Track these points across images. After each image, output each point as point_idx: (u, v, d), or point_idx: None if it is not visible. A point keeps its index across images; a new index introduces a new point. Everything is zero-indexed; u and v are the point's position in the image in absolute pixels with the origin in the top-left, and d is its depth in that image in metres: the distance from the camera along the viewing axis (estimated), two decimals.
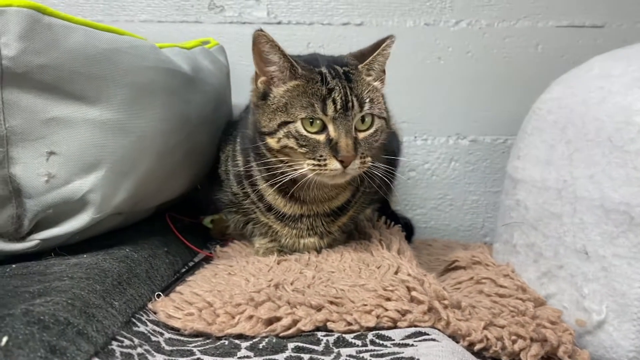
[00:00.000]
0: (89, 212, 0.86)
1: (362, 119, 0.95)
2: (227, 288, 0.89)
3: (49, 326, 0.57)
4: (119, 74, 0.85)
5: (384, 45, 0.98)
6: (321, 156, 0.92)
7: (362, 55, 1.00)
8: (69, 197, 0.84)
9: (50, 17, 0.78)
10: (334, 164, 0.91)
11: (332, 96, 0.91)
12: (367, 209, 1.17)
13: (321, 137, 0.92)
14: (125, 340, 0.68)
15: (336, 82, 0.93)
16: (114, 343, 0.66)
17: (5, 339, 0.51)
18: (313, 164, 0.92)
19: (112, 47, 0.85)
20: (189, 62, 1.05)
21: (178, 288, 0.91)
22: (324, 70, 0.94)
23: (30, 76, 0.77)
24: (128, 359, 0.64)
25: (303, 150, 0.93)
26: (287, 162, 0.96)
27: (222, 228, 1.32)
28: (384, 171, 0.99)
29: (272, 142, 0.95)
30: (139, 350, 0.67)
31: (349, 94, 0.92)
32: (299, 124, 0.93)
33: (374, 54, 0.98)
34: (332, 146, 0.91)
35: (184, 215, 1.30)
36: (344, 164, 0.91)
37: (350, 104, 0.92)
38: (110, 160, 0.86)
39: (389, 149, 1.17)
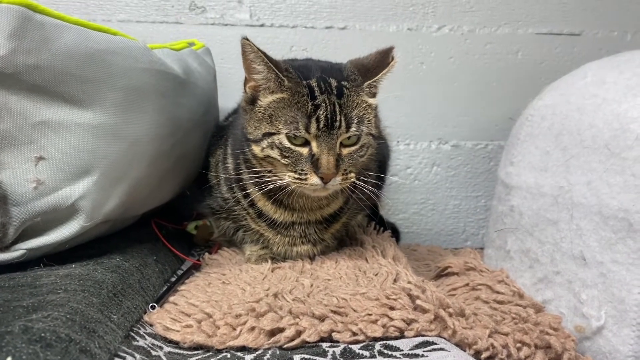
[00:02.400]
0: (79, 219, 0.82)
1: (349, 137, 0.92)
2: (224, 298, 0.86)
3: (52, 344, 0.54)
4: (112, 76, 0.81)
5: (391, 63, 0.94)
6: (302, 170, 0.90)
7: (367, 70, 0.95)
8: (58, 204, 0.80)
9: (42, 15, 0.74)
10: (314, 179, 0.89)
11: (317, 114, 0.88)
12: (358, 215, 1.16)
13: (304, 151, 0.90)
14: (127, 356, 0.64)
15: (324, 98, 0.89)
16: None
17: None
18: (294, 177, 0.91)
19: (106, 47, 0.81)
20: (179, 64, 1.02)
21: (172, 298, 0.88)
22: (312, 83, 0.91)
23: (20, 77, 0.73)
24: None
25: (285, 161, 0.91)
26: (270, 171, 0.94)
27: (206, 234, 1.29)
28: (375, 177, 0.98)
29: (257, 149, 0.93)
30: None
31: (337, 112, 0.89)
32: (282, 137, 0.90)
33: (382, 72, 0.94)
34: (314, 162, 0.89)
35: (166, 221, 1.27)
36: (324, 180, 0.89)
37: (337, 123, 0.89)
38: (102, 165, 0.82)
39: (380, 156, 1.16)
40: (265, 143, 0.91)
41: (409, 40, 1.68)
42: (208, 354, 0.74)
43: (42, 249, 0.82)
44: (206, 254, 1.14)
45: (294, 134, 0.89)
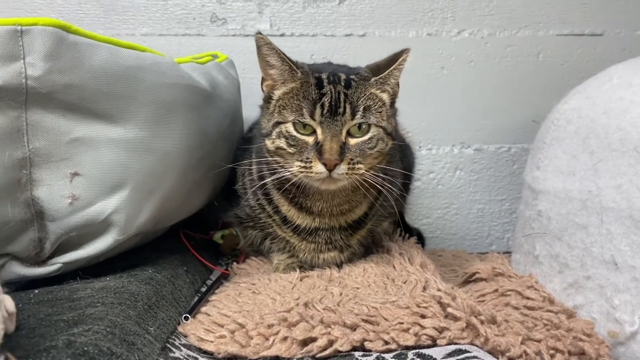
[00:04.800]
0: (113, 233, 0.84)
1: (359, 127, 0.94)
2: (255, 308, 0.87)
3: (95, 358, 0.55)
4: (142, 92, 0.83)
5: (400, 59, 0.98)
6: (307, 158, 0.92)
7: (378, 68, 0.99)
8: (92, 218, 0.82)
9: (75, 35, 0.76)
10: (318, 167, 0.91)
11: (322, 100, 0.92)
12: (384, 222, 1.16)
13: (310, 139, 0.93)
14: None
15: (330, 87, 0.93)
16: None
17: None
18: (300, 166, 0.93)
19: (135, 64, 0.83)
20: (206, 78, 1.04)
21: (204, 309, 0.89)
22: (323, 75, 0.95)
23: (55, 96, 0.75)
24: None
25: (292, 150, 0.94)
26: (280, 163, 0.97)
27: (233, 244, 1.30)
28: (400, 184, 0.98)
29: (269, 143, 0.97)
30: None
31: (342, 100, 0.92)
32: (289, 125, 0.94)
33: (391, 68, 0.98)
34: (319, 149, 0.92)
35: (193, 231, 1.28)
36: (327, 167, 0.91)
37: (341, 109, 0.92)
38: (135, 180, 0.84)
39: (404, 162, 1.17)
40: (274, 134, 0.95)
41: (429, 45, 1.68)
42: None
43: (77, 262, 0.84)
44: (234, 263, 1.16)
45: (299, 120, 0.93)
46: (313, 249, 1.05)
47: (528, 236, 1.06)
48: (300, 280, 1.00)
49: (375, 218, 1.10)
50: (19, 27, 0.71)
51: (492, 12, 1.68)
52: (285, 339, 0.77)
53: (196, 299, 0.95)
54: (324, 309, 0.84)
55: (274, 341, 0.77)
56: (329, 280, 1.00)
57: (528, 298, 0.95)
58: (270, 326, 0.79)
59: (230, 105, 1.16)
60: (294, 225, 1.04)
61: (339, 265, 1.06)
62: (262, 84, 1.01)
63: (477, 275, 1.09)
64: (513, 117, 1.71)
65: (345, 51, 1.69)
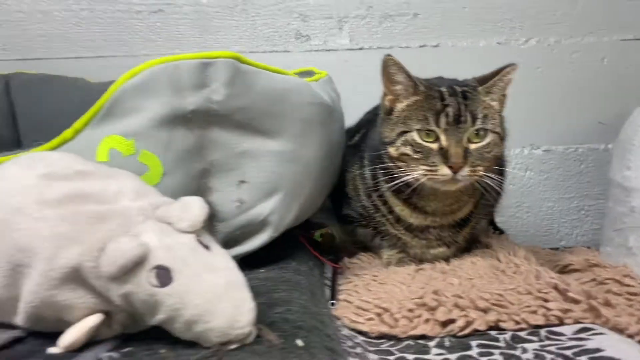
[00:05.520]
0: (268, 231, 0.98)
1: (477, 133, 1.06)
2: (388, 295, 0.99)
3: (309, 331, 0.68)
4: (290, 110, 0.97)
5: (503, 72, 1.09)
6: (433, 162, 1.04)
7: (485, 79, 1.11)
8: (253, 219, 0.95)
9: (245, 64, 0.89)
10: (444, 170, 1.03)
11: (446, 110, 1.04)
12: (483, 220, 1.28)
13: (434, 146, 1.05)
14: (349, 341, 0.79)
15: (452, 99, 1.05)
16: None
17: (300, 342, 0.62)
18: (425, 169, 1.05)
19: (285, 87, 0.96)
20: (326, 94, 1.17)
21: (341, 297, 1.02)
22: (442, 88, 1.08)
23: (231, 117, 0.89)
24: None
25: (417, 156, 1.05)
26: (402, 168, 1.08)
27: (330, 242, 1.43)
28: (497, 183, 1.10)
29: (392, 150, 1.09)
30: (358, 350, 0.78)
31: (463, 109, 1.04)
32: (414, 133, 1.06)
33: (494, 79, 1.09)
34: (443, 154, 1.03)
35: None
36: (453, 169, 1.02)
37: (462, 118, 1.04)
38: (285, 185, 0.97)
39: (499, 161, 1.28)
40: (399, 142, 1.07)
41: (498, 54, 1.79)
42: (392, 342, 0.87)
43: (237, 257, 0.97)
44: (345, 258, 1.28)
45: (425, 128, 1.05)
46: (424, 245, 1.18)
47: (620, 230, 1.16)
48: (416, 272, 1.12)
49: (479, 216, 1.22)
50: (205, 60, 0.85)
51: (557, 20, 1.78)
52: (427, 320, 0.89)
53: (328, 289, 1.08)
54: (452, 296, 0.96)
55: (417, 323, 0.89)
56: (442, 273, 1.11)
57: (628, 285, 1.05)
58: (410, 310, 0.91)
59: (340, 117, 1.29)
60: (408, 224, 1.16)
61: (447, 260, 1.18)
62: (383, 98, 1.13)
63: (571, 267, 1.20)
64: (580, 119, 1.81)
65: (420, 61, 1.78)
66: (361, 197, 1.22)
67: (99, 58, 1.77)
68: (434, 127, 1.04)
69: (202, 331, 0.59)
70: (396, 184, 1.08)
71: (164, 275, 0.58)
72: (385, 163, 1.11)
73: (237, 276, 0.65)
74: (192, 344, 0.61)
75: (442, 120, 1.04)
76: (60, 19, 1.76)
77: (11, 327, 0.65)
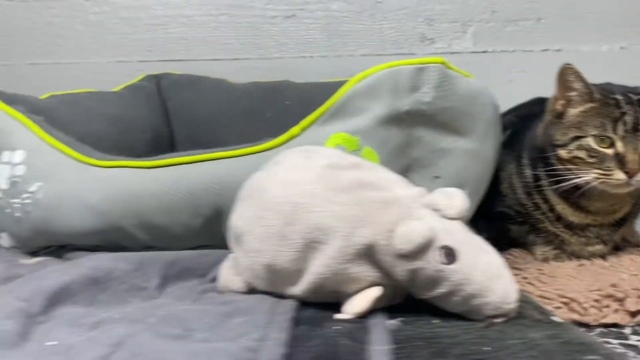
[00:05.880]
0: None
1: None
2: (566, 287, 1.05)
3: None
4: (478, 111, 1.04)
5: None
6: (608, 167, 1.09)
7: None
8: None
9: (450, 70, 0.97)
10: (619, 175, 1.08)
11: (624, 118, 1.08)
12: (633, 221, 1.32)
13: (609, 152, 1.09)
14: None
15: (629, 107, 1.09)
16: None
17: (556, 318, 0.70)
18: (598, 174, 1.09)
19: (476, 89, 1.04)
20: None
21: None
22: (618, 96, 1.12)
23: (435, 117, 0.97)
24: None
25: (591, 160, 1.10)
26: (572, 170, 1.13)
27: None
28: None
29: (563, 152, 1.13)
30: None
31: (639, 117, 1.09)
32: (590, 139, 1.10)
33: None
34: (619, 159, 1.08)
35: None
36: (629, 174, 1.07)
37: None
38: (471, 181, 1.05)
39: None
40: (572, 146, 1.12)
41: (622, 58, 1.82)
42: (584, 328, 0.94)
43: None
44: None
45: (601, 134, 1.09)
46: (582, 242, 1.23)
47: None
48: (579, 268, 1.17)
49: (634, 217, 1.26)
50: (420, 65, 0.94)
51: None
52: (616, 311, 0.95)
53: None
54: (633, 289, 1.01)
55: (607, 312, 0.95)
56: (603, 268, 1.16)
57: None
58: (596, 300, 0.97)
59: None
60: (567, 222, 1.22)
61: (603, 257, 1.23)
62: (554, 103, 1.18)
63: None
64: None
65: (542, 65, 1.84)
66: (519, 195, 1.28)
67: (235, 60, 1.89)
68: (611, 134, 1.09)
69: (478, 305, 0.67)
70: (565, 185, 1.14)
71: (450, 254, 0.66)
72: (551, 164, 1.17)
73: (500, 257, 0.72)
74: (457, 316, 0.70)
75: (620, 127, 1.08)
76: (201, 23, 1.89)
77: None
